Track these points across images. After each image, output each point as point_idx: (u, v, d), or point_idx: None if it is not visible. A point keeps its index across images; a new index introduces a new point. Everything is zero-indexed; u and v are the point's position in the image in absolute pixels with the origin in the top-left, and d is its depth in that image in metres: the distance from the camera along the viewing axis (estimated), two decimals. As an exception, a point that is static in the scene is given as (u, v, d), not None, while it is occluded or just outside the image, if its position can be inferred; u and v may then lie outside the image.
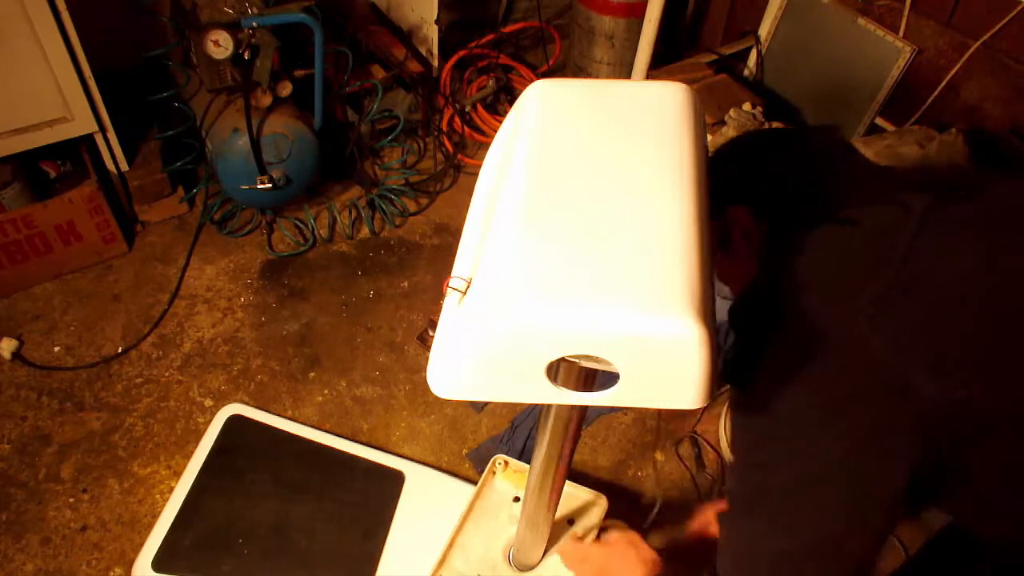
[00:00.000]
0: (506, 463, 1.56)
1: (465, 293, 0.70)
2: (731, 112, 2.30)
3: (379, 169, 2.68)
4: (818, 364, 0.77)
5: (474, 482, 1.85)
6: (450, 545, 1.47)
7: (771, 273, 0.90)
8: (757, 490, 0.84)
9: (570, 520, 1.52)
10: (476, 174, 0.97)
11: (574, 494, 1.55)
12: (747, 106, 2.34)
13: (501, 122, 0.95)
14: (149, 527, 1.71)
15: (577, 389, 0.73)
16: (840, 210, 0.86)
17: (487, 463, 1.89)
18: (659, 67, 2.63)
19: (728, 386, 2.10)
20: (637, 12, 2.61)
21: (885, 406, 0.75)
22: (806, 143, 1.01)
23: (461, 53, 2.83)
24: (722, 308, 1.92)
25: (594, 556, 1.32)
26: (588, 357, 0.68)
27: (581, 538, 1.43)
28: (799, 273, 0.85)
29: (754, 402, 0.83)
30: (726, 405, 2.04)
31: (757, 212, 0.94)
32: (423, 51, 2.71)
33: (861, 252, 0.83)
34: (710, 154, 1.04)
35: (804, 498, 0.79)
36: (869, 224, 0.84)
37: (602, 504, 1.53)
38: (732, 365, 0.89)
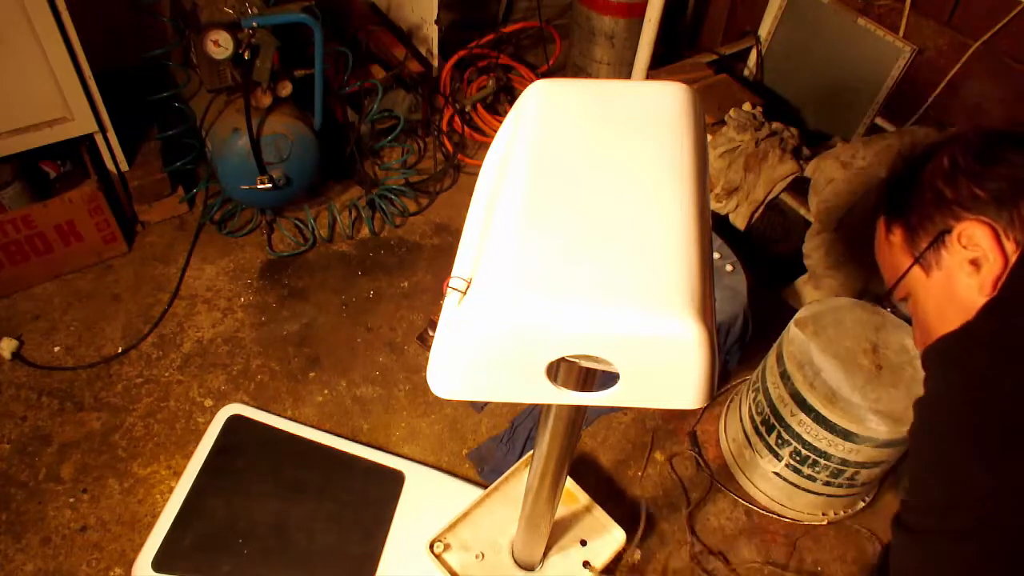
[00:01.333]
0: None
1: (465, 293, 0.70)
2: (731, 112, 2.30)
3: (379, 169, 2.68)
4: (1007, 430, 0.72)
5: (474, 482, 1.86)
6: (464, 515, 1.47)
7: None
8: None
9: (583, 541, 1.52)
10: (476, 174, 0.97)
11: (595, 516, 1.55)
12: (747, 106, 2.34)
13: (501, 122, 0.95)
14: (149, 527, 1.71)
15: (577, 389, 0.73)
16: None
17: (487, 463, 1.90)
18: (659, 67, 2.63)
19: (728, 386, 2.11)
20: (637, 12, 2.61)
21: None
22: None
23: (461, 53, 2.83)
24: (722, 307, 1.92)
25: None
26: (588, 357, 0.68)
27: None
28: None
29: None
30: (726, 405, 2.04)
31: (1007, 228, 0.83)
32: (423, 51, 2.71)
33: None
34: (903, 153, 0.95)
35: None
36: None
37: (619, 539, 1.53)
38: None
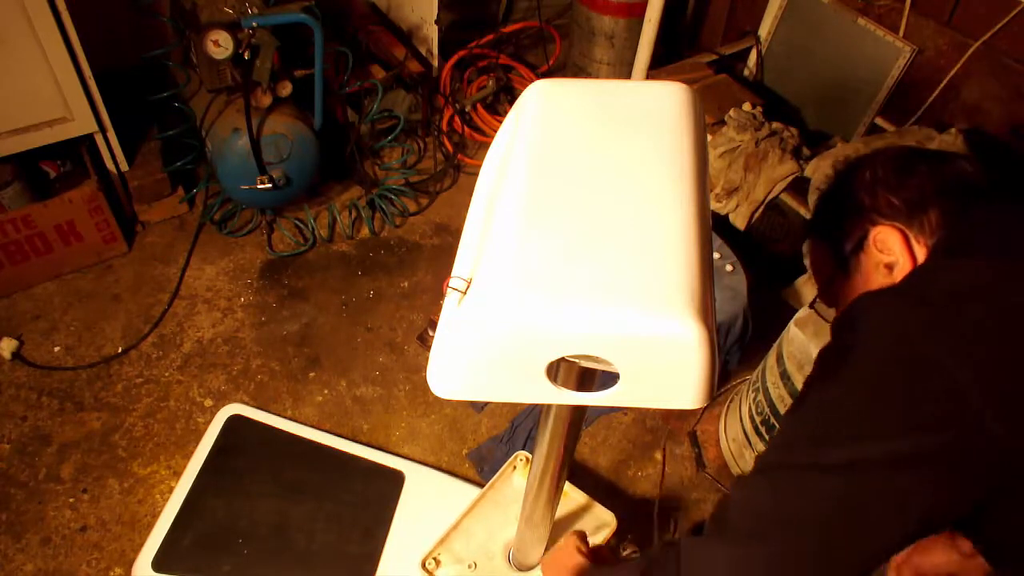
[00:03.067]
0: (527, 460, 1.56)
1: (465, 293, 0.70)
2: (731, 112, 2.30)
3: (379, 169, 2.69)
4: (908, 380, 0.75)
5: (474, 482, 1.86)
6: (454, 527, 1.47)
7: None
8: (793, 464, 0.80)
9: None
10: (476, 174, 0.97)
11: (587, 508, 1.55)
12: (747, 106, 2.34)
13: (501, 122, 0.95)
14: (149, 527, 1.71)
15: (577, 389, 0.73)
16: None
17: (487, 463, 1.90)
18: (659, 67, 2.63)
19: (728, 386, 2.11)
20: (637, 12, 2.61)
21: (956, 437, 0.73)
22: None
23: (461, 53, 2.83)
24: (722, 307, 1.92)
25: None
26: (588, 357, 0.68)
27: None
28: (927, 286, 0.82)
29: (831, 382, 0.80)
30: (727, 405, 2.04)
31: (919, 234, 0.89)
32: (423, 51, 2.71)
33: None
34: (840, 164, 1.00)
35: (846, 481, 0.76)
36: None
37: (611, 525, 1.53)
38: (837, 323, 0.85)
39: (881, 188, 0.93)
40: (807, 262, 1.13)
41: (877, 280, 0.93)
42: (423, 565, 1.43)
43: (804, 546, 0.77)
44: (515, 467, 1.58)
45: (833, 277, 1.01)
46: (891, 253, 0.91)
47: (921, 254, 0.89)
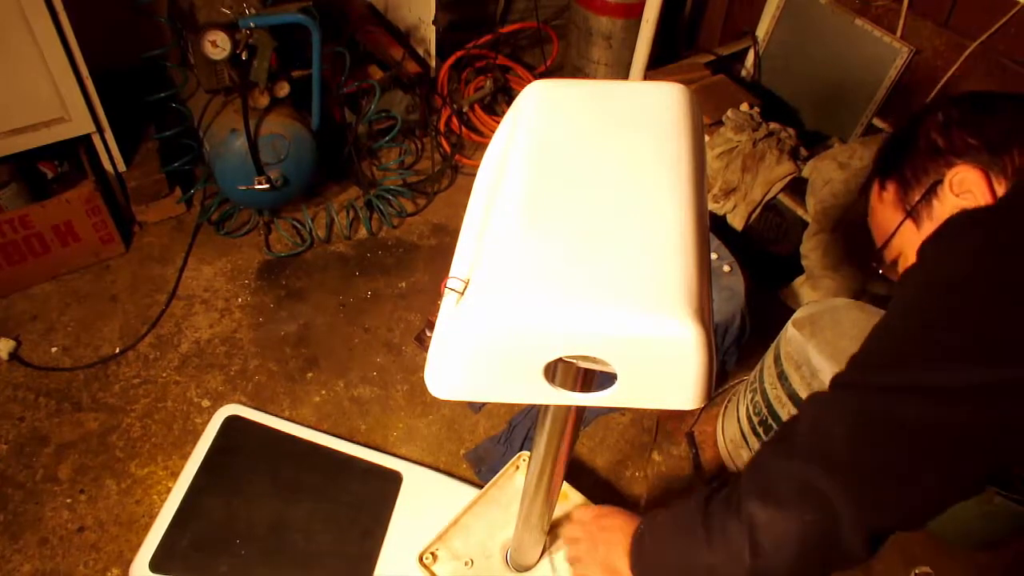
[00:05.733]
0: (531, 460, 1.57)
1: (463, 294, 0.70)
2: (728, 113, 2.31)
3: (377, 170, 2.69)
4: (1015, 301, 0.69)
5: (472, 482, 1.86)
6: (453, 523, 1.47)
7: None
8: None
9: None
10: (474, 175, 0.97)
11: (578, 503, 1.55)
12: (744, 106, 2.35)
13: (499, 123, 0.95)
14: (146, 528, 1.71)
15: (575, 390, 0.73)
16: None
17: (484, 463, 1.90)
18: (657, 68, 2.63)
19: (726, 387, 2.11)
20: (635, 12, 2.62)
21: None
22: None
23: (459, 54, 2.83)
24: (720, 308, 1.92)
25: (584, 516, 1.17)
26: (586, 358, 0.68)
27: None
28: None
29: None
30: (724, 405, 2.04)
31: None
32: (421, 51, 2.71)
33: None
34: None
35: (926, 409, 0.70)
36: None
37: None
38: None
39: (958, 128, 0.88)
40: (869, 220, 1.04)
41: None
42: (420, 559, 1.44)
43: (886, 480, 0.71)
44: (517, 467, 1.58)
45: (900, 229, 0.94)
46: (971, 196, 0.85)
47: (1002, 195, 0.84)
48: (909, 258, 0.94)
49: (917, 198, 0.91)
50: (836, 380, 0.78)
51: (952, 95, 0.93)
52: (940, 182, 0.88)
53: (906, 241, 0.94)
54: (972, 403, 0.68)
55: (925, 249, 0.82)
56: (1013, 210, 0.79)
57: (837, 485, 0.72)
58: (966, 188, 0.86)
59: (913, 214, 0.92)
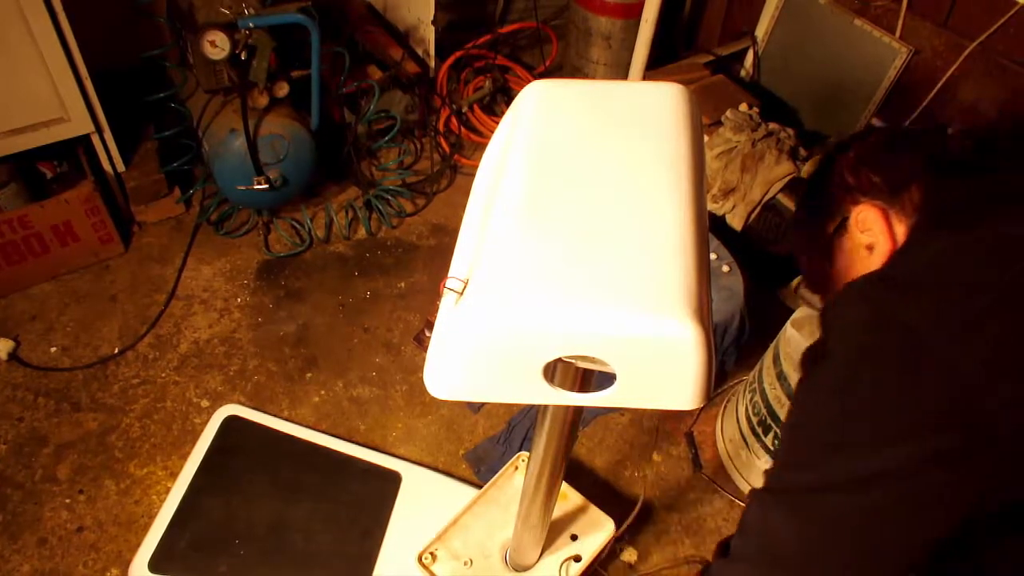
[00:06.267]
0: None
1: (462, 294, 0.70)
2: (727, 113, 2.30)
3: (376, 170, 2.68)
4: (902, 373, 0.71)
5: (471, 482, 1.86)
6: (453, 523, 1.47)
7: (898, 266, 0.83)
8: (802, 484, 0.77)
9: (573, 536, 1.52)
10: (473, 175, 0.97)
11: (585, 510, 1.55)
12: (743, 107, 2.35)
13: (498, 123, 0.95)
14: (146, 528, 1.70)
15: (574, 390, 0.73)
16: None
17: (483, 463, 1.90)
18: (656, 68, 2.63)
19: (725, 387, 2.11)
20: (634, 13, 2.62)
21: (958, 438, 0.68)
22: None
23: (458, 54, 2.83)
24: (719, 308, 1.92)
25: None
26: (585, 358, 0.68)
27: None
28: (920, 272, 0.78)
29: (822, 388, 0.77)
30: (723, 406, 2.04)
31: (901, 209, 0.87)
32: (420, 52, 2.71)
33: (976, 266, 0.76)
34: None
35: (854, 499, 0.73)
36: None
37: (608, 530, 1.53)
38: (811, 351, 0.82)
39: (864, 167, 0.91)
40: (794, 248, 1.11)
41: (859, 261, 0.91)
42: (420, 559, 1.44)
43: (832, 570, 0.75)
44: (517, 467, 1.58)
45: (816, 260, 0.99)
46: (871, 233, 0.88)
47: (901, 232, 0.87)
48: (829, 288, 1.00)
49: (829, 232, 0.95)
50: (767, 484, 0.81)
51: (865, 130, 0.99)
52: (847, 218, 0.92)
53: (823, 272, 0.99)
54: (881, 486, 0.71)
55: (824, 317, 0.84)
56: (900, 274, 0.81)
57: None
58: (867, 226, 0.89)
59: (825, 249, 0.96)
